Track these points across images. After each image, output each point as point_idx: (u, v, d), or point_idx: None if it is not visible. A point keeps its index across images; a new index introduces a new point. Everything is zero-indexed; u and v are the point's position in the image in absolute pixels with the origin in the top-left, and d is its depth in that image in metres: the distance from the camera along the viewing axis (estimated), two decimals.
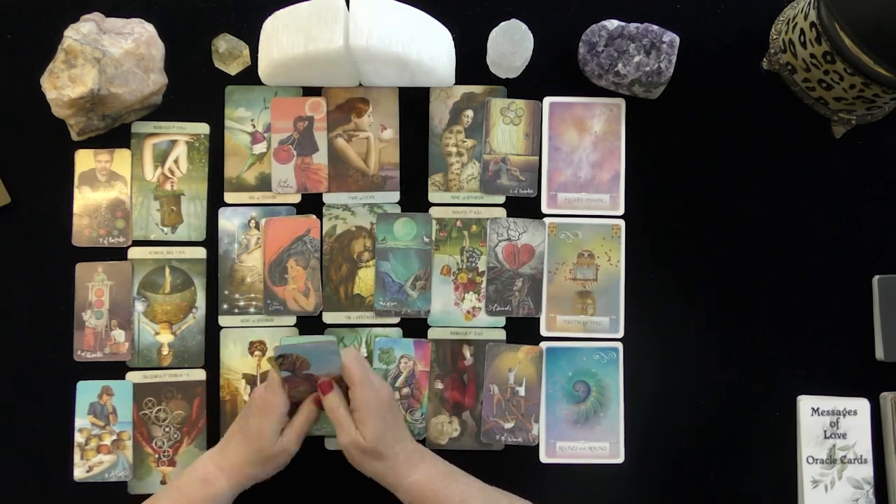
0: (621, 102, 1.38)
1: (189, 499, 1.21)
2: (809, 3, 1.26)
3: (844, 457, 1.33)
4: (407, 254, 1.36)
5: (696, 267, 1.37)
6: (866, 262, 1.37)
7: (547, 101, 1.38)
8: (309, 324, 1.35)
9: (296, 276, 1.35)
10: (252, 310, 1.35)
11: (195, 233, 1.36)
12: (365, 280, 1.36)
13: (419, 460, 1.23)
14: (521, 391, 1.35)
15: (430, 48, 1.30)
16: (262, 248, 1.36)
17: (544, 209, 1.37)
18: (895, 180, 1.38)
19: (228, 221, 1.36)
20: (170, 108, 1.38)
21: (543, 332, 1.36)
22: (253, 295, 1.35)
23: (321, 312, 1.36)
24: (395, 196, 1.37)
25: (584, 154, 1.38)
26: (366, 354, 1.35)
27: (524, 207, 1.37)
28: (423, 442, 1.34)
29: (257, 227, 1.36)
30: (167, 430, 1.34)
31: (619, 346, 1.35)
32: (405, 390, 1.35)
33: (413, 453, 1.23)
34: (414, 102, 1.38)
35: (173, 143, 1.38)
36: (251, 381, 1.35)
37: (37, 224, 1.36)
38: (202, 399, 1.34)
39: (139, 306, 1.36)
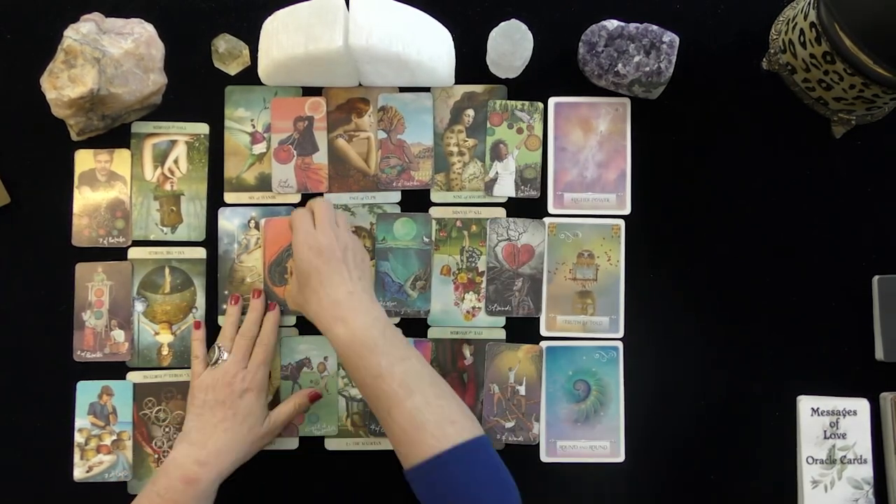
0: (626, 102, 1.38)
1: (182, 494, 1.21)
2: (809, 3, 1.27)
3: (844, 457, 1.33)
4: (407, 254, 1.36)
5: (696, 267, 1.37)
6: (866, 262, 1.37)
7: (552, 101, 1.38)
8: (309, 324, 1.35)
9: None
10: None
11: (195, 233, 1.36)
12: None
13: (348, 313, 1.20)
14: (522, 390, 1.35)
15: (430, 48, 1.30)
16: (261, 249, 1.36)
17: (550, 209, 1.37)
18: (895, 180, 1.38)
19: (228, 221, 1.36)
20: (170, 108, 1.38)
21: (543, 332, 1.36)
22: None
23: None
24: (396, 196, 1.37)
25: (590, 154, 1.38)
26: None
27: (528, 208, 1.37)
28: None
29: (257, 227, 1.36)
30: (167, 430, 1.34)
31: (620, 345, 1.36)
32: None
33: (341, 304, 1.20)
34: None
35: (173, 143, 1.38)
36: None
37: (37, 224, 1.36)
38: None
39: (139, 306, 1.36)
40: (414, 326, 1.36)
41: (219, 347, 1.29)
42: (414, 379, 1.17)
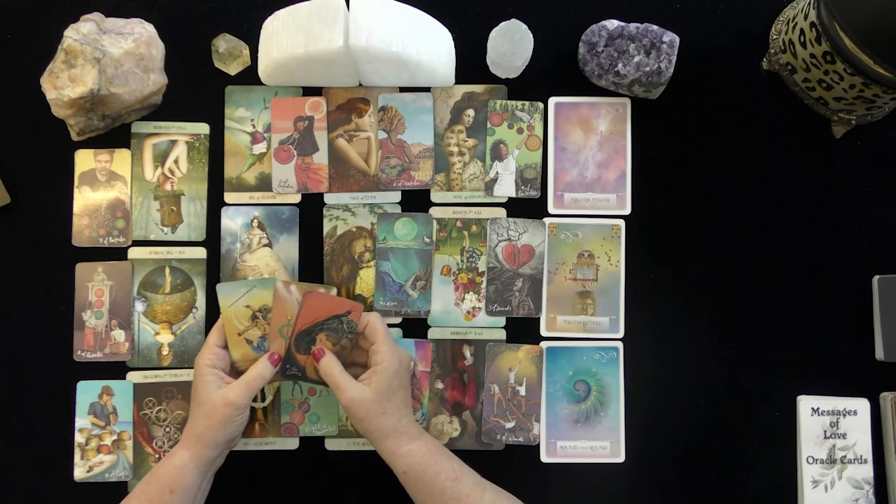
0: (627, 102, 1.38)
1: (155, 475, 1.21)
2: (809, 3, 1.27)
3: (844, 457, 1.33)
4: (407, 254, 1.36)
5: (696, 267, 1.37)
6: (866, 262, 1.37)
7: (552, 101, 1.38)
8: None
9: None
10: None
11: (195, 233, 1.36)
12: (366, 280, 1.36)
13: (418, 433, 1.24)
14: (522, 391, 1.35)
15: (430, 48, 1.30)
16: (272, 249, 1.36)
17: (550, 209, 1.37)
18: (895, 180, 1.38)
19: (231, 221, 1.36)
20: (170, 108, 1.38)
21: (543, 332, 1.36)
22: None
23: None
24: (397, 196, 1.37)
25: (590, 154, 1.38)
26: None
27: (528, 208, 1.37)
28: None
29: (260, 226, 1.36)
30: (167, 430, 1.34)
31: (620, 345, 1.36)
32: None
33: (414, 424, 1.24)
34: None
35: (173, 143, 1.38)
36: None
37: (37, 224, 1.36)
38: None
39: (139, 306, 1.36)
40: (414, 326, 1.36)
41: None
42: (477, 478, 1.23)
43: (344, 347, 1.27)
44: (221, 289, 1.28)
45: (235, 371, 1.27)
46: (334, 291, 1.31)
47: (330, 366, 1.24)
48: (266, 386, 1.33)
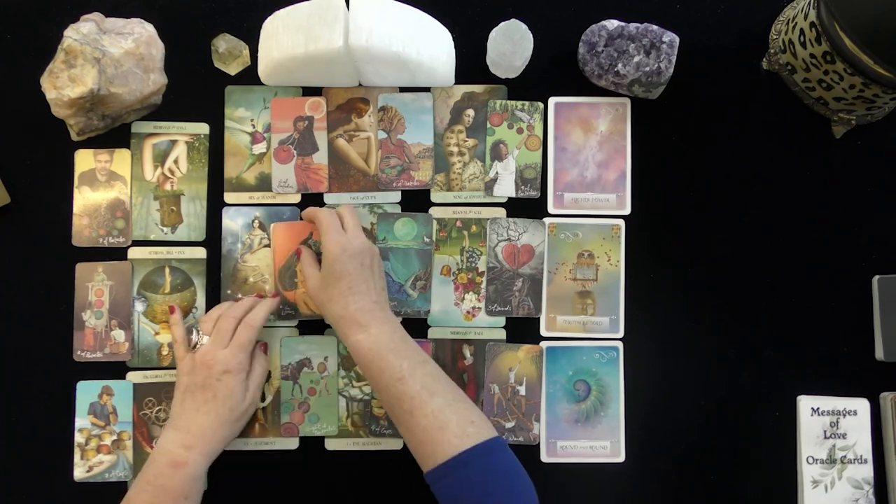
0: (627, 102, 1.38)
1: (164, 488, 1.20)
2: (809, 3, 1.27)
3: (844, 457, 1.33)
4: (407, 253, 1.36)
5: (696, 267, 1.37)
6: (866, 262, 1.37)
7: (552, 101, 1.38)
8: (309, 324, 1.35)
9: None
10: None
11: (195, 233, 1.36)
12: None
13: (371, 322, 1.23)
14: (522, 390, 1.35)
15: (430, 48, 1.30)
16: (269, 252, 1.36)
17: (550, 209, 1.37)
18: (895, 180, 1.38)
19: (232, 221, 1.36)
20: (170, 108, 1.38)
21: (543, 332, 1.36)
22: (255, 295, 1.35)
23: None
24: (397, 196, 1.37)
25: (590, 154, 1.38)
26: None
27: (528, 208, 1.37)
28: None
29: (261, 227, 1.36)
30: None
31: (620, 345, 1.36)
32: None
33: (367, 313, 1.23)
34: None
35: (173, 143, 1.38)
36: None
37: (37, 224, 1.36)
38: None
39: (139, 306, 1.36)
40: (414, 326, 1.36)
41: (197, 330, 1.29)
42: (433, 382, 1.20)
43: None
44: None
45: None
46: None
47: (306, 261, 1.30)
48: (266, 386, 1.34)
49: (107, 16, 1.35)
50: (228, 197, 1.37)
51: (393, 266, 1.36)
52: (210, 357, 1.25)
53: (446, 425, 1.16)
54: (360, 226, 1.30)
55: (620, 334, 1.36)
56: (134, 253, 1.36)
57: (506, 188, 1.37)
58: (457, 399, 1.20)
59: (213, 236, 1.37)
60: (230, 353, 1.25)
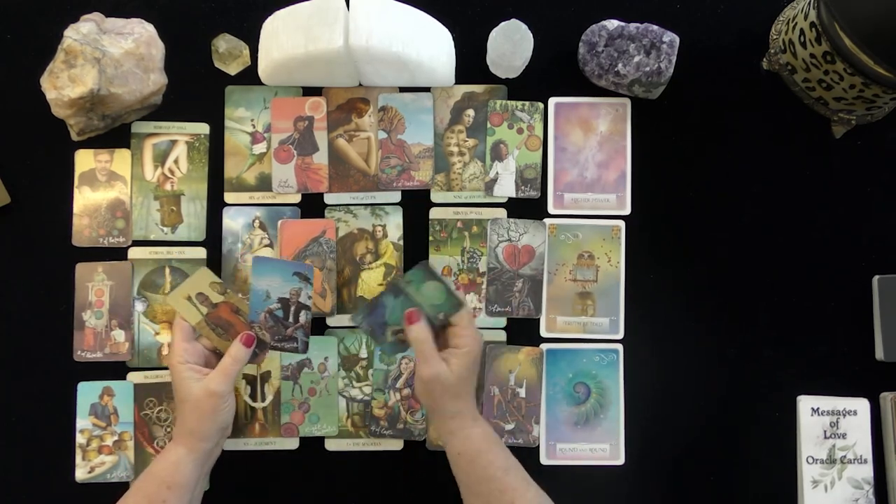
0: (627, 102, 1.38)
1: (151, 472, 1.20)
2: (809, 3, 1.27)
3: (844, 457, 1.33)
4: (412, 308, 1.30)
5: (696, 267, 1.37)
6: (866, 262, 1.37)
7: (552, 101, 1.38)
8: (311, 323, 1.35)
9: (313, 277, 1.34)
10: None
11: (195, 233, 1.36)
12: (368, 282, 1.36)
13: (478, 418, 1.23)
14: (522, 392, 1.35)
15: (430, 48, 1.30)
16: (273, 249, 1.36)
17: (550, 209, 1.37)
18: (895, 180, 1.38)
19: (232, 221, 1.36)
20: (170, 108, 1.38)
21: (543, 333, 1.36)
22: None
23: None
24: (397, 196, 1.37)
25: (590, 154, 1.38)
26: (366, 355, 1.35)
27: (528, 208, 1.37)
28: (423, 442, 1.35)
29: (262, 227, 1.36)
30: (168, 430, 1.34)
31: (619, 347, 1.36)
32: (406, 391, 1.35)
33: (476, 409, 1.24)
34: None
35: (173, 143, 1.37)
36: (251, 380, 1.35)
37: (37, 224, 1.36)
38: None
39: (139, 306, 1.36)
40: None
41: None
42: (525, 475, 1.22)
43: (330, 269, 1.33)
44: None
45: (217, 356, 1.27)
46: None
47: (423, 333, 1.24)
48: (266, 386, 1.34)
49: (107, 16, 1.35)
50: (228, 197, 1.37)
51: (393, 307, 1.28)
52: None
53: None
54: (434, 353, 1.23)
55: (620, 335, 1.36)
56: (134, 253, 1.36)
57: (506, 188, 1.37)
58: (541, 493, 1.21)
59: (213, 236, 1.37)
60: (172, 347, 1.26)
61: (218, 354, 1.25)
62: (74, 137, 1.35)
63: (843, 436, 1.33)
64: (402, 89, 1.38)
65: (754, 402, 1.36)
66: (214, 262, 1.36)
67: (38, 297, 1.36)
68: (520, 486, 1.19)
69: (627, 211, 1.37)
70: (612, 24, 1.34)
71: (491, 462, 1.20)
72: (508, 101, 1.38)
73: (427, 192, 1.37)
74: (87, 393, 1.34)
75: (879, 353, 1.35)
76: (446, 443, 1.22)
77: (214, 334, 1.26)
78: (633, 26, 1.33)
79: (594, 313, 1.36)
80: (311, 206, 1.37)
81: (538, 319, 1.36)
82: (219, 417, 1.21)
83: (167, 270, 1.36)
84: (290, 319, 1.27)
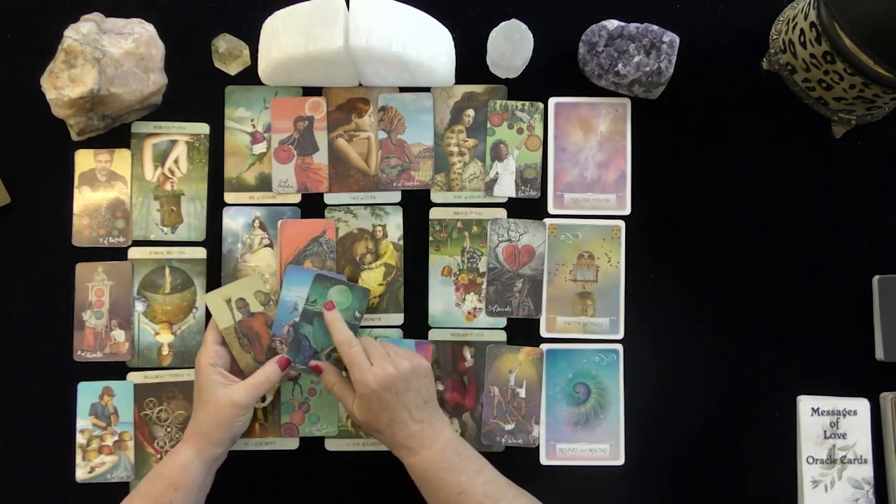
0: (627, 102, 1.38)
1: (159, 473, 1.21)
2: (809, 3, 1.26)
3: (844, 457, 1.33)
4: None
5: (696, 267, 1.37)
6: (866, 262, 1.37)
7: (552, 101, 1.38)
8: None
9: None
10: None
11: (195, 233, 1.36)
12: (368, 282, 1.36)
13: (419, 446, 1.22)
14: (522, 393, 1.35)
15: (430, 48, 1.30)
16: (273, 249, 1.36)
17: (550, 209, 1.37)
18: (895, 180, 1.38)
19: (233, 221, 1.36)
20: (170, 108, 1.38)
21: (543, 333, 1.36)
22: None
23: None
24: (397, 196, 1.37)
25: (590, 154, 1.38)
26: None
27: (528, 208, 1.37)
28: None
29: (262, 227, 1.36)
30: (169, 430, 1.34)
31: (619, 347, 1.36)
32: None
33: (415, 437, 1.22)
34: None
35: (173, 143, 1.37)
36: None
37: (37, 224, 1.36)
38: None
39: (139, 306, 1.36)
40: (415, 327, 1.36)
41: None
42: (494, 488, 1.21)
43: (331, 269, 1.33)
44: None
45: (238, 369, 1.29)
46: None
47: (330, 381, 1.27)
48: None
49: (107, 16, 1.35)
50: (228, 197, 1.37)
51: (314, 332, 1.30)
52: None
53: None
54: (382, 353, 1.24)
55: (620, 335, 1.36)
56: (134, 253, 1.36)
57: (506, 188, 1.37)
58: (517, 497, 1.21)
59: (213, 236, 1.37)
60: (202, 347, 1.28)
61: (236, 363, 1.28)
62: (74, 137, 1.35)
63: (843, 436, 1.33)
64: (402, 89, 1.38)
65: (754, 402, 1.36)
66: (214, 262, 1.36)
67: (38, 297, 1.36)
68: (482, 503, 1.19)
69: (627, 211, 1.37)
70: (612, 24, 1.34)
71: (441, 488, 1.21)
72: (508, 101, 1.38)
73: (427, 192, 1.37)
74: (87, 393, 1.34)
75: (879, 353, 1.35)
76: None
77: (238, 344, 1.28)
78: (633, 26, 1.33)
79: (594, 313, 1.36)
80: (311, 206, 1.37)
81: (538, 319, 1.36)
82: (234, 427, 1.23)
83: (167, 270, 1.36)
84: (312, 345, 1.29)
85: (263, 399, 1.35)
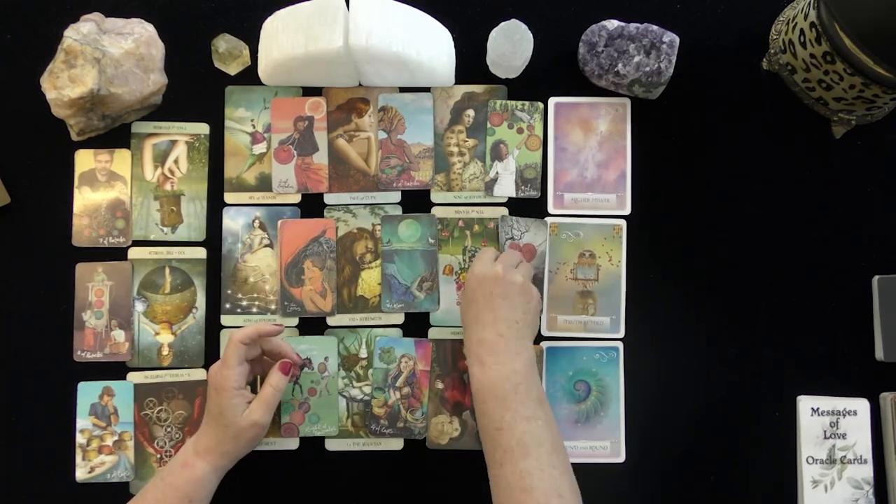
0: (626, 102, 1.38)
1: (172, 486, 1.21)
2: (809, 4, 1.27)
3: (844, 457, 1.33)
4: (412, 255, 1.36)
5: (696, 267, 1.37)
6: (866, 262, 1.37)
7: (552, 101, 1.38)
8: (310, 324, 1.35)
9: (312, 277, 1.35)
10: (255, 310, 1.35)
11: (195, 233, 1.36)
12: (368, 281, 1.36)
13: (487, 357, 1.21)
14: None
15: (430, 48, 1.30)
16: (273, 249, 1.36)
17: (550, 209, 1.37)
18: (895, 180, 1.38)
19: (233, 221, 1.36)
20: (170, 108, 1.38)
21: (544, 331, 1.36)
22: (255, 295, 1.35)
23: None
24: (397, 196, 1.37)
25: (590, 154, 1.38)
26: (366, 354, 1.35)
27: (528, 208, 1.37)
28: (423, 441, 1.35)
29: (262, 227, 1.36)
30: (169, 430, 1.34)
31: (620, 345, 1.36)
32: (405, 390, 1.35)
33: (486, 346, 1.21)
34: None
35: (173, 143, 1.38)
36: (251, 381, 1.35)
37: (37, 224, 1.36)
38: (203, 399, 1.34)
39: (139, 306, 1.36)
40: (415, 326, 1.36)
41: None
42: (532, 441, 1.15)
43: (330, 269, 1.35)
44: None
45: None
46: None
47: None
48: None
49: (107, 16, 1.35)
50: (228, 197, 1.37)
51: (398, 268, 1.36)
52: (212, 375, 1.25)
53: (530, 490, 1.12)
54: (511, 260, 1.26)
55: (621, 334, 1.36)
56: (134, 253, 1.36)
57: (506, 188, 1.37)
58: (553, 465, 1.14)
59: (213, 236, 1.37)
60: (216, 370, 1.24)
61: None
62: (74, 137, 1.35)
63: (843, 436, 1.33)
64: (402, 89, 1.38)
65: (754, 402, 1.36)
66: (214, 262, 1.36)
67: (38, 297, 1.35)
68: (511, 450, 1.14)
69: (627, 211, 1.37)
70: (612, 24, 1.34)
71: (483, 413, 1.19)
72: (508, 101, 1.38)
73: (427, 192, 1.37)
74: (87, 393, 1.34)
75: (879, 353, 1.35)
76: None
77: None
78: (633, 26, 1.33)
79: (595, 312, 1.36)
80: (311, 206, 1.37)
81: (539, 318, 1.36)
82: (255, 443, 1.25)
83: (167, 270, 1.36)
84: None
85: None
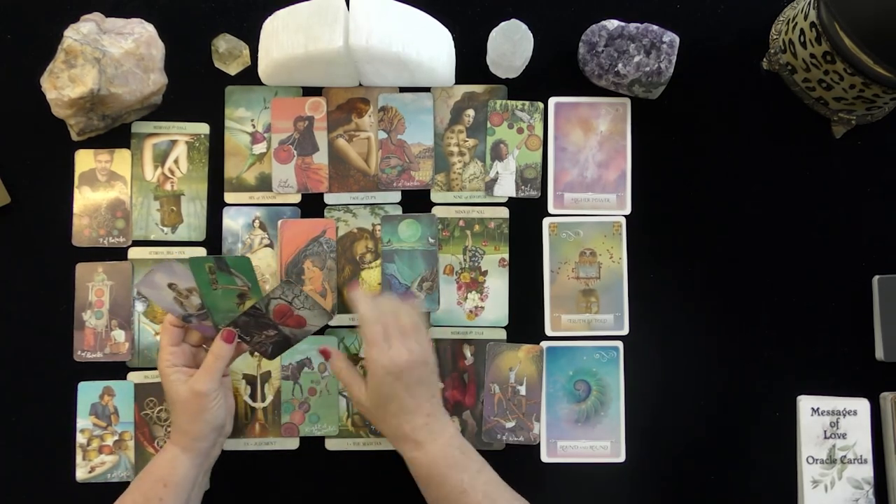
0: (626, 102, 1.38)
1: (147, 471, 1.21)
2: (809, 3, 1.27)
3: (844, 457, 1.33)
4: (412, 255, 1.36)
5: (695, 268, 1.37)
6: (866, 262, 1.37)
7: (552, 101, 1.38)
8: None
9: (312, 276, 1.35)
10: None
11: (195, 233, 1.36)
12: (368, 281, 1.36)
13: (426, 439, 1.20)
14: (522, 390, 1.35)
15: (430, 48, 1.30)
16: (274, 249, 1.36)
17: (550, 209, 1.37)
18: (895, 180, 1.38)
19: (233, 221, 1.36)
20: (170, 108, 1.38)
21: (548, 331, 1.36)
22: None
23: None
24: (397, 196, 1.37)
25: (590, 154, 1.38)
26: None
27: (528, 208, 1.37)
28: None
29: (262, 227, 1.36)
30: (169, 429, 1.34)
31: (620, 344, 1.36)
32: None
33: (421, 430, 1.20)
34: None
35: (173, 143, 1.37)
36: (251, 380, 1.35)
37: (37, 224, 1.36)
38: None
39: (139, 306, 1.36)
40: None
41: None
42: (493, 488, 1.19)
43: (331, 269, 1.34)
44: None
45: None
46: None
47: (338, 365, 1.26)
48: (266, 386, 1.34)
49: (107, 16, 1.35)
50: (228, 197, 1.37)
51: (399, 268, 1.36)
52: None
53: None
54: (405, 331, 1.21)
55: (625, 331, 1.36)
56: (134, 253, 1.36)
57: (506, 188, 1.37)
58: (515, 497, 1.20)
59: (213, 236, 1.37)
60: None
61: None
62: (74, 137, 1.35)
63: (843, 436, 1.33)
64: (402, 89, 1.38)
65: (754, 402, 1.36)
66: None
67: (38, 297, 1.35)
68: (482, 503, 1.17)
69: (627, 211, 1.37)
70: (612, 24, 1.34)
71: (441, 485, 1.19)
72: (508, 101, 1.38)
73: (427, 192, 1.37)
74: (88, 393, 1.34)
75: (879, 353, 1.35)
76: None
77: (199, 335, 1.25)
78: (633, 26, 1.33)
79: (598, 310, 1.36)
80: (311, 206, 1.37)
81: (541, 319, 1.36)
82: (209, 416, 1.21)
83: None
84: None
85: (264, 398, 1.35)
